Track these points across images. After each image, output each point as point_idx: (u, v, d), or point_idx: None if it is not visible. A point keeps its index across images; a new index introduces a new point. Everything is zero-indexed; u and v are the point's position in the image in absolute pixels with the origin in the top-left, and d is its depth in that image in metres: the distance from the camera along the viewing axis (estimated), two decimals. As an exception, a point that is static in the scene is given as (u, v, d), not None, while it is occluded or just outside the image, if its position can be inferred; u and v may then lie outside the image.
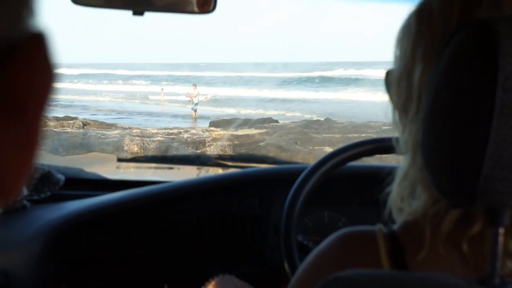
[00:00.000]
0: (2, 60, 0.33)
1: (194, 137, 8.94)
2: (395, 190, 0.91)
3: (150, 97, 32.29)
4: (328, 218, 2.00)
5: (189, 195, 1.99)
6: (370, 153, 1.56)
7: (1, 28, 0.33)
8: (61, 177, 2.19)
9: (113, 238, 1.94)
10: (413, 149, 0.86)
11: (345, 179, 1.93)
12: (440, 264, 0.83)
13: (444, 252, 0.83)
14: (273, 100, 29.39)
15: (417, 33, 0.85)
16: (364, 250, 0.88)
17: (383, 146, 1.55)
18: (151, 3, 1.32)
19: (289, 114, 22.70)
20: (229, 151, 8.17)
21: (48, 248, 1.85)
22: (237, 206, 1.99)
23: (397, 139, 0.92)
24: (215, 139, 8.74)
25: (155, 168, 2.53)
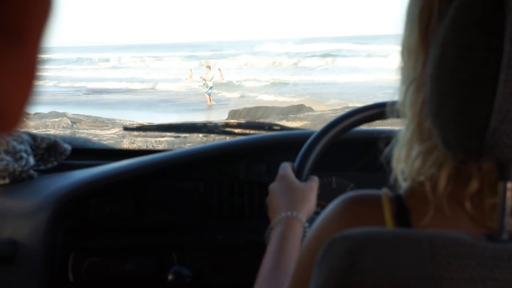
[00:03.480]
0: None
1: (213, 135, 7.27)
2: (396, 154, 0.91)
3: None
4: (336, 184, 1.99)
5: (196, 162, 1.98)
6: (376, 117, 1.55)
7: None
8: (68, 147, 2.18)
9: (120, 207, 1.93)
10: (412, 109, 0.86)
11: (353, 144, 1.92)
12: (446, 225, 0.82)
13: (449, 212, 0.82)
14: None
15: None
16: (368, 213, 0.88)
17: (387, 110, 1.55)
18: None
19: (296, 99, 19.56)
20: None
21: (55, 217, 1.85)
22: (245, 173, 1.97)
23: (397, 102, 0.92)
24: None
25: (162, 137, 2.51)
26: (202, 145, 2.06)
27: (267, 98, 21.34)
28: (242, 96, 23.01)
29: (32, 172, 2.04)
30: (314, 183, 1.45)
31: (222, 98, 22.89)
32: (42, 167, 2.11)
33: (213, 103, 21.52)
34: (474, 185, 0.81)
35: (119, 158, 2.09)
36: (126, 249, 1.95)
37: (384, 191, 0.89)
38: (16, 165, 1.99)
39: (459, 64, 0.71)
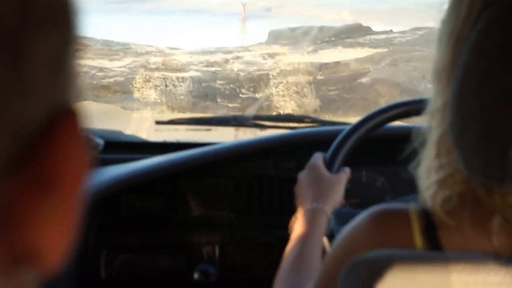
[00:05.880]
0: (35, 143, 0.32)
1: (250, 68, 5.51)
2: (420, 170, 0.88)
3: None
4: (366, 178, 1.97)
5: (226, 159, 1.99)
6: (410, 114, 1.52)
7: (38, 105, 0.32)
8: (100, 142, 2.20)
9: (151, 204, 1.95)
10: (436, 133, 0.83)
11: (382, 139, 1.90)
12: (473, 247, 0.80)
13: (475, 238, 0.80)
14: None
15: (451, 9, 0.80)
16: (397, 228, 0.87)
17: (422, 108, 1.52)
18: None
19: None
20: (309, 99, 5.12)
21: (87, 214, 1.87)
22: (275, 169, 1.97)
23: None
24: (283, 73, 5.35)
25: (193, 130, 2.52)
26: (232, 142, 2.07)
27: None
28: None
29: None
30: (343, 175, 1.43)
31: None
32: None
33: (248, 15, 16.17)
34: (497, 221, 0.78)
35: (152, 151, 2.12)
36: (157, 246, 1.97)
37: (412, 205, 0.88)
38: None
39: (481, 89, 0.70)
